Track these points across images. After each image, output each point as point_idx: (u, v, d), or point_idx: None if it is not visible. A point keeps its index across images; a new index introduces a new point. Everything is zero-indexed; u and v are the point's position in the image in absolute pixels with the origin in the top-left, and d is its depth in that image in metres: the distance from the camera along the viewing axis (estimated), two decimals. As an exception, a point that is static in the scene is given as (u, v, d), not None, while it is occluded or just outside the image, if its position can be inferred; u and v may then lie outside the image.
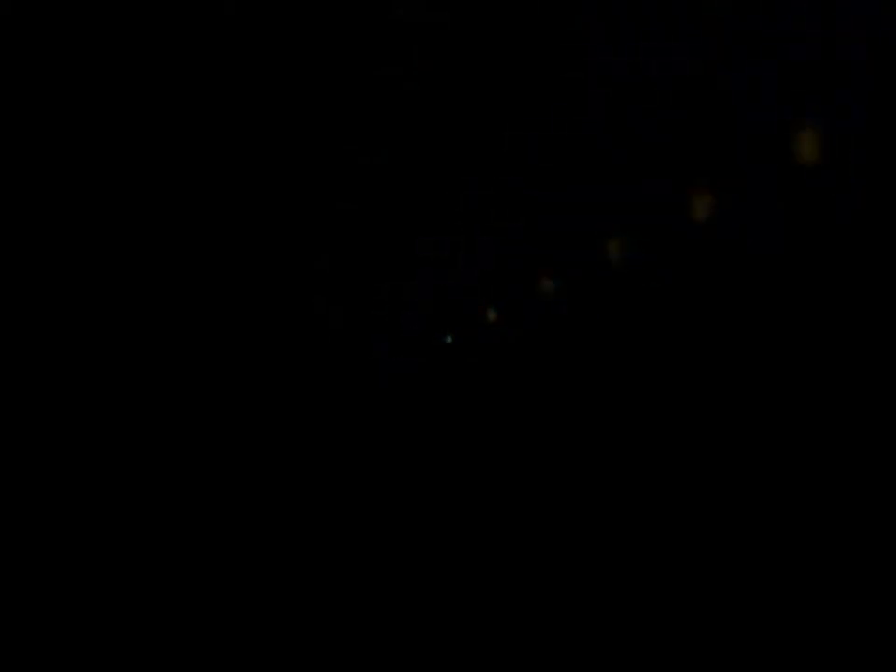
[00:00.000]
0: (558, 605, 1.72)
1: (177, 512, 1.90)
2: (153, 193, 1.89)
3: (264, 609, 1.85)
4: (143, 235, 1.87)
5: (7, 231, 1.85)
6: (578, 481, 2.05)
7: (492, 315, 2.65)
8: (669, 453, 1.86)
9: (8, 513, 1.84)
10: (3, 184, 1.80)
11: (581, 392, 2.27)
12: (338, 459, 2.22)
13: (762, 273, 1.75)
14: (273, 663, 1.76)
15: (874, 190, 1.61)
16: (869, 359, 1.62)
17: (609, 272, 2.14)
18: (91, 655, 1.74)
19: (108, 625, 1.78)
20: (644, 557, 1.76)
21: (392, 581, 1.85)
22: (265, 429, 2.00)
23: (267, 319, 1.94)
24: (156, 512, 1.90)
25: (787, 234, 1.71)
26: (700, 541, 1.74)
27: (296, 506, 2.01)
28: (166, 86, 1.78)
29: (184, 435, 1.92)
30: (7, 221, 1.83)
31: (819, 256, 1.67)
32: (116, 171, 1.85)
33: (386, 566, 1.89)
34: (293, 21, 1.88)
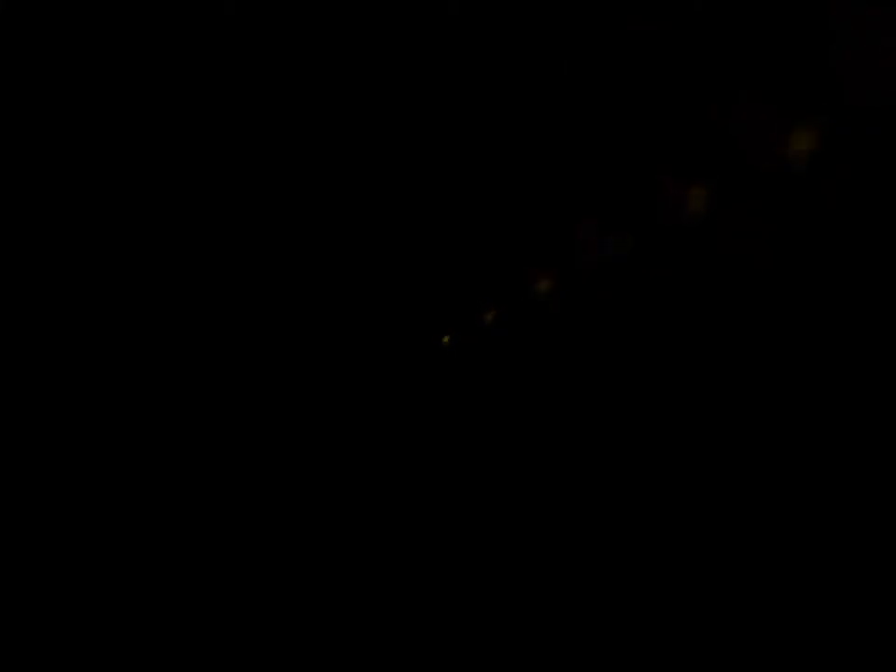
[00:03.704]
0: (558, 605, 1.73)
1: (176, 512, 1.91)
2: (150, 193, 1.90)
3: (264, 609, 1.86)
4: (140, 234, 1.88)
5: (6, 231, 1.86)
6: (576, 482, 2.06)
7: (489, 316, 2.64)
8: (668, 453, 1.87)
9: (8, 514, 1.84)
10: (2, 184, 1.81)
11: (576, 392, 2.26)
12: (334, 460, 2.22)
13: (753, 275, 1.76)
14: (272, 663, 1.77)
15: (869, 190, 1.62)
16: (868, 360, 1.63)
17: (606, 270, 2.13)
18: (92, 655, 1.75)
19: (108, 625, 1.79)
20: (644, 558, 1.76)
21: (389, 582, 1.86)
22: (263, 427, 2.00)
23: (262, 316, 1.94)
24: (155, 512, 1.90)
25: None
26: (700, 542, 1.74)
27: (294, 506, 2.02)
28: (166, 86, 1.79)
29: (182, 433, 1.93)
30: (7, 221, 1.83)
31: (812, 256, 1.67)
32: (114, 171, 1.86)
33: (383, 566, 1.90)
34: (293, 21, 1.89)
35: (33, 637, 1.78)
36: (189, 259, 1.93)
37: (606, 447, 1.96)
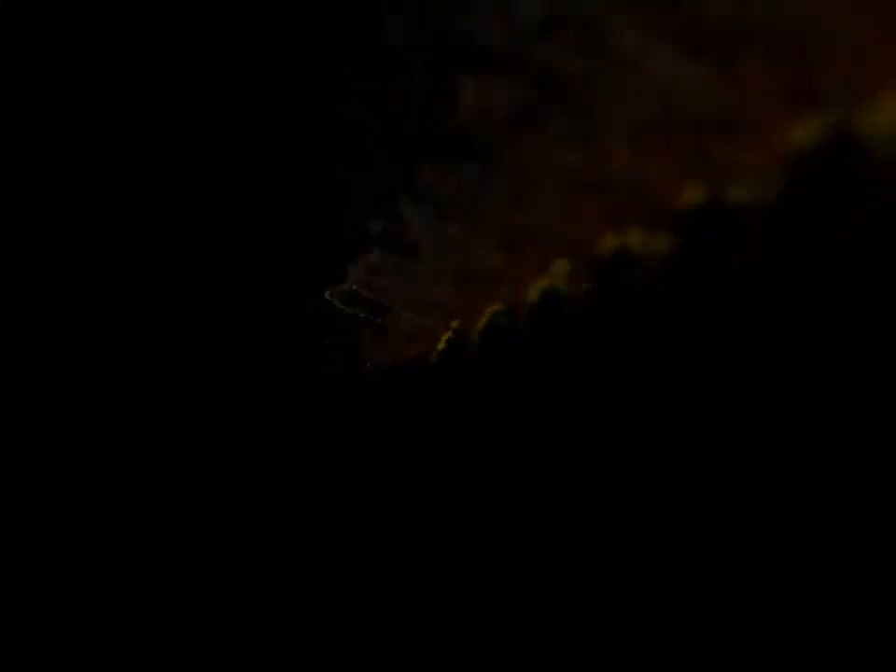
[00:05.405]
0: (558, 605, 1.73)
1: (175, 510, 1.90)
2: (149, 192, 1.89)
3: (263, 609, 1.86)
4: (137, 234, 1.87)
5: (6, 231, 1.85)
6: (576, 484, 2.06)
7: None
8: (670, 455, 1.87)
9: (8, 514, 1.85)
10: (2, 184, 1.81)
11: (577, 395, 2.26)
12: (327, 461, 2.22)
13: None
14: (272, 663, 1.77)
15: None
16: (870, 361, 1.63)
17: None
18: (91, 655, 1.75)
19: (108, 625, 1.79)
20: (644, 557, 1.77)
21: (388, 582, 1.86)
22: (259, 427, 2.00)
23: (255, 318, 1.94)
24: (153, 511, 1.90)
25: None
26: (700, 541, 1.75)
27: (292, 506, 2.01)
28: (166, 85, 1.78)
29: (178, 432, 1.92)
30: (7, 221, 1.83)
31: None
32: (114, 170, 1.86)
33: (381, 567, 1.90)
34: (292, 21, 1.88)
35: (32, 636, 1.78)
36: (189, 258, 1.94)
37: (603, 444, 1.98)
